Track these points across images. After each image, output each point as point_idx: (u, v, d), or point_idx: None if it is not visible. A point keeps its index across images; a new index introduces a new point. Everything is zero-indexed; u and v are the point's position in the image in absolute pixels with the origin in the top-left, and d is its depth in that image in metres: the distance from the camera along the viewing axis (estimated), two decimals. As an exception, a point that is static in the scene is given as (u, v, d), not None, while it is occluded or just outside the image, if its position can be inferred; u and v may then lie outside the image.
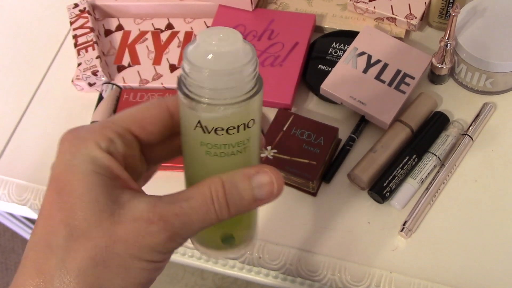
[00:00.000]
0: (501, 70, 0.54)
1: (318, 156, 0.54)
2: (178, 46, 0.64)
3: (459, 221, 0.52)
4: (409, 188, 0.53)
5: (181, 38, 0.65)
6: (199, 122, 0.27)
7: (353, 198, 0.55)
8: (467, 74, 0.57)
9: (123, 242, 0.26)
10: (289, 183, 0.56)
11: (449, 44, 0.55)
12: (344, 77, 0.58)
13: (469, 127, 0.56)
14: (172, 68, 0.63)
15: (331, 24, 0.64)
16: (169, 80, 0.62)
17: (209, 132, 0.28)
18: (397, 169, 0.54)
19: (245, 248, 0.35)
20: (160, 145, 0.32)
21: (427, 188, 0.53)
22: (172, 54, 0.64)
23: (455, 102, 0.59)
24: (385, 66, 0.58)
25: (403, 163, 0.54)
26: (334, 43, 0.62)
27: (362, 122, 0.58)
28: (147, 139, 0.30)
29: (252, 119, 0.29)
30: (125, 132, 0.29)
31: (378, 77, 0.57)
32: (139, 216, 0.26)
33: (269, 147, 0.55)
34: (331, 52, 0.61)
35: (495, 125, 0.57)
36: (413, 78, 0.57)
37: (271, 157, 0.55)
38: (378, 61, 0.58)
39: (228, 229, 0.33)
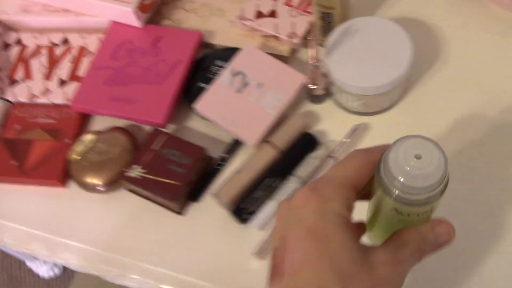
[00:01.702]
0: (369, 93, 0.54)
1: (182, 176, 0.55)
2: (70, 62, 0.65)
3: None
4: (268, 210, 0.54)
5: (74, 54, 0.66)
6: (395, 208, 0.33)
7: (218, 218, 0.55)
8: (340, 95, 0.57)
9: (381, 283, 0.32)
10: (157, 202, 0.57)
11: (315, 67, 0.55)
12: (218, 97, 0.58)
13: (337, 149, 0.55)
14: (62, 83, 0.64)
15: (221, 41, 0.64)
16: (57, 96, 0.63)
17: (402, 214, 0.34)
18: (257, 191, 0.54)
19: None
20: None
21: (288, 211, 0.53)
22: (63, 69, 0.65)
23: (332, 122, 0.58)
24: (259, 86, 0.58)
25: (264, 185, 0.54)
26: (217, 61, 0.62)
27: (235, 142, 0.58)
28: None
29: (432, 208, 0.34)
30: (355, 190, 0.34)
31: (250, 98, 0.57)
32: (386, 261, 0.32)
33: (137, 166, 0.56)
34: (212, 70, 0.61)
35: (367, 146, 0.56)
36: (283, 98, 0.57)
37: (139, 177, 0.55)
38: (253, 81, 0.58)
39: None
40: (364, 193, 0.36)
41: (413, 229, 0.34)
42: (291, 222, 0.33)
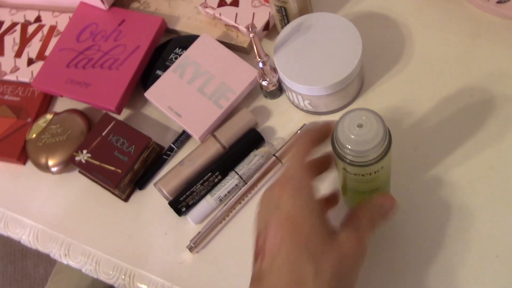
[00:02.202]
0: (314, 94, 0.52)
1: (125, 164, 0.55)
2: (40, 40, 0.66)
3: (246, 245, 0.52)
4: (205, 204, 0.54)
5: (45, 32, 0.67)
6: (353, 172, 0.40)
7: (159, 208, 0.56)
8: (291, 93, 0.55)
9: (348, 257, 0.37)
10: (104, 187, 0.58)
11: (261, 63, 0.53)
12: (168, 86, 0.58)
13: (281, 147, 0.55)
14: (30, 62, 0.65)
15: (184, 27, 0.63)
16: (24, 74, 0.65)
17: (360, 175, 0.41)
18: (197, 184, 0.54)
19: None
20: None
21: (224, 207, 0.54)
22: (33, 48, 0.66)
23: (283, 120, 0.57)
24: (211, 78, 0.57)
25: (204, 179, 0.54)
26: (177, 49, 0.61)
27: (184, 133, 0.58)
28: None
29: (382, 167, 0.40)
30: (318, 169, 0.42)
31: (201, 89, 0.57)
32: (351, 238, 0.38)
33: (85, 151, 0.57)
34: (171, 58, 0.61)
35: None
36: (234, 92, 0.56)
37: (84, 161, 0.57)
38: (206, 72, 0.57)
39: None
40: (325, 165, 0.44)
41: (364, 207, 0.42)
42: (271, 209, 0.39)
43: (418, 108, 0.54)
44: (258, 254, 0.39)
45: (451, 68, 0.55)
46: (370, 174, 0.41)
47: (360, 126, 0.38)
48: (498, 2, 0.54)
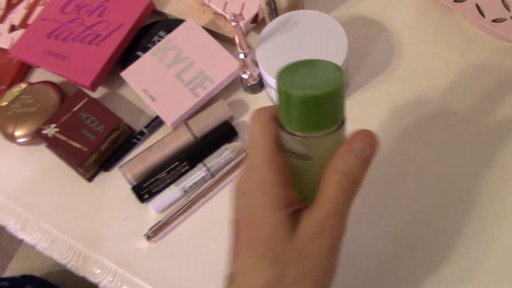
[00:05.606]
0: (293, 92, 0.50)
1: (91, 143, 0.54)
2: (25, 8, 0.65)
3: (205, 239, 0.51)
4: (168, 194, 0.52)
5: (31, 0, 0.65)
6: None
7: (122, 192, 0.54)
8: (270, 90, 0.53)
9: (309, 253, 0.31)
10: (68, 164, 0.56)
11: (242, 54, 0.52)
12: (146, 69, 0.56)
13: (254, 145, 0.53)
14: (12, 29, 0.64)
15: (172, 10, 0.62)
16: (4, 40, 0.63)
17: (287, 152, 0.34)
18: (163, 173, 0.52)
19: None
20: None
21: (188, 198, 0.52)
22: (17, 15, 0.64)
23: (260, 116, 0.55)
24: (191, 65, 0.55)
25: (170, 167, 0.52)
26: (161, 31, 0.60)
27: (157, 118, 0.56)
28: None
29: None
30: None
31: (178, 75, 0.55)
32: (313, 233, 0.31)
33: (53, 125, 0.55)
34: (154, 40, 0.59)
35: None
36: (212, 82, 0.54)
37: (51, 136, 0.55)
38: (186, 58, 0.56)
39: None
40: None
41: (336, 159, 0.32)
42: (239, 203, 0.34)
43: (397, 122, 0.52)
44: (235, 247, 0.35)
45: (435, 82, 0.54)
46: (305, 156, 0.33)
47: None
48: (493, 21, 0.52)
